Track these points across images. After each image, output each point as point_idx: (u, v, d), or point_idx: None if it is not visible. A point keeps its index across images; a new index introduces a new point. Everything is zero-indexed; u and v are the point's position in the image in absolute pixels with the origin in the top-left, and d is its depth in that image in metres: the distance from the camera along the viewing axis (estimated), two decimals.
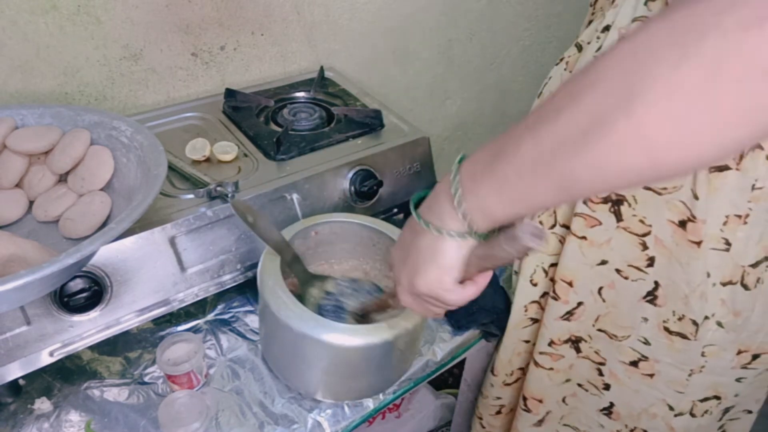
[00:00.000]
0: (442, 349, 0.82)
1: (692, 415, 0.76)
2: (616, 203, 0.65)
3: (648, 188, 0.63)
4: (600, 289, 0.76)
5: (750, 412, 0.79)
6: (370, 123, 0.94)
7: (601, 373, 0.79)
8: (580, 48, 0.73)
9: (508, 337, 0.89)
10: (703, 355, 0.71)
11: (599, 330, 0.77)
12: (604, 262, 0.73)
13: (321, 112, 0.98)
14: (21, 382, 0.72)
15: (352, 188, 0.85)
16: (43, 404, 0.70)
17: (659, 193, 0.63)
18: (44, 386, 0.73)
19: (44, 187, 0.71)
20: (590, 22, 0.75)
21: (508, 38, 1.49)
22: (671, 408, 0.76)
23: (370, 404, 0.75)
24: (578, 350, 0.80)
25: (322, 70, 1.09)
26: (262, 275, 0.67)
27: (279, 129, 0.91)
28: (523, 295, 0.85)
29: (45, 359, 0.66)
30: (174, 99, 1.01)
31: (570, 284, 0.77)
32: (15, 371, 0.65)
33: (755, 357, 0.72)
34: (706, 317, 0.68)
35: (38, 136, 0.71)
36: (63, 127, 0.73)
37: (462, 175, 0.43)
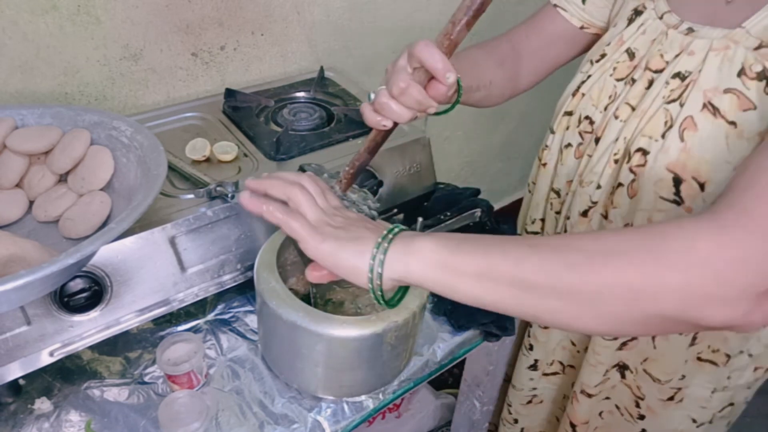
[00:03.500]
0: (442, 349, 0.82)
1: (710, 422, 0.80)
2: None
3: None
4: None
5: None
6: None
7: (638, 406, 0.83)
8: (632, 56, 0.70)
9: (553, 336, 0.91)
10: (728, 378, 0.75)
11: (645, 371, 0.80)
12: None
13: (321, 112, 0.98)
14: (21, 382, 0.72)
15: None
16: (43, 404, 0.70)
17: None
18: (44, 386, 0.73)
19: (44, 187, 0.71)
20: (637, 11, 0.71)
21: None
22: (694, 421, 0.80)
23: (369, 404, 0.74)
24: (623, 376, 0.83)
25: (322, 70, 1.09)
26: (258, 269, 0.68)
27: (279, 129, 0.91)
28: None
29: (45, 359, 0.66)
30: (174, 99, 1.01)
31: None
32: (15, 371, 0.65)
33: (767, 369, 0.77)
34: (741, 352, 0.72)
35: (38, 136, 0.71)
36: (63, 127, 0.73)
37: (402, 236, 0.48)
